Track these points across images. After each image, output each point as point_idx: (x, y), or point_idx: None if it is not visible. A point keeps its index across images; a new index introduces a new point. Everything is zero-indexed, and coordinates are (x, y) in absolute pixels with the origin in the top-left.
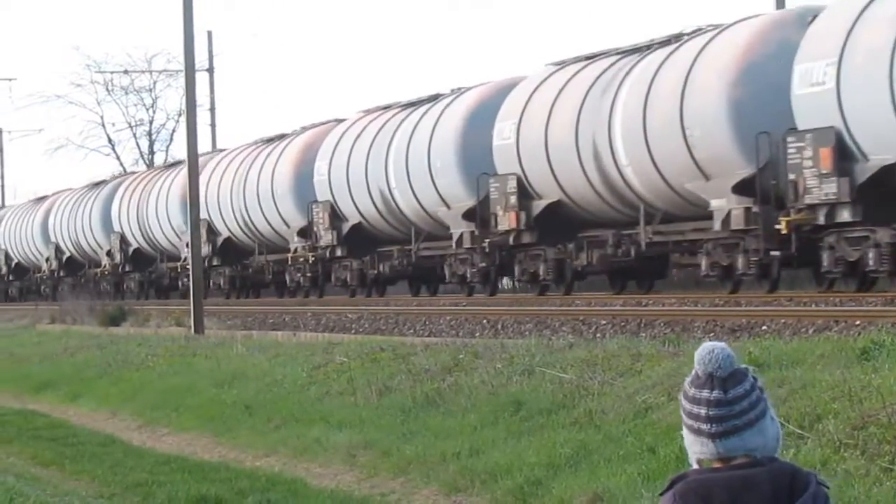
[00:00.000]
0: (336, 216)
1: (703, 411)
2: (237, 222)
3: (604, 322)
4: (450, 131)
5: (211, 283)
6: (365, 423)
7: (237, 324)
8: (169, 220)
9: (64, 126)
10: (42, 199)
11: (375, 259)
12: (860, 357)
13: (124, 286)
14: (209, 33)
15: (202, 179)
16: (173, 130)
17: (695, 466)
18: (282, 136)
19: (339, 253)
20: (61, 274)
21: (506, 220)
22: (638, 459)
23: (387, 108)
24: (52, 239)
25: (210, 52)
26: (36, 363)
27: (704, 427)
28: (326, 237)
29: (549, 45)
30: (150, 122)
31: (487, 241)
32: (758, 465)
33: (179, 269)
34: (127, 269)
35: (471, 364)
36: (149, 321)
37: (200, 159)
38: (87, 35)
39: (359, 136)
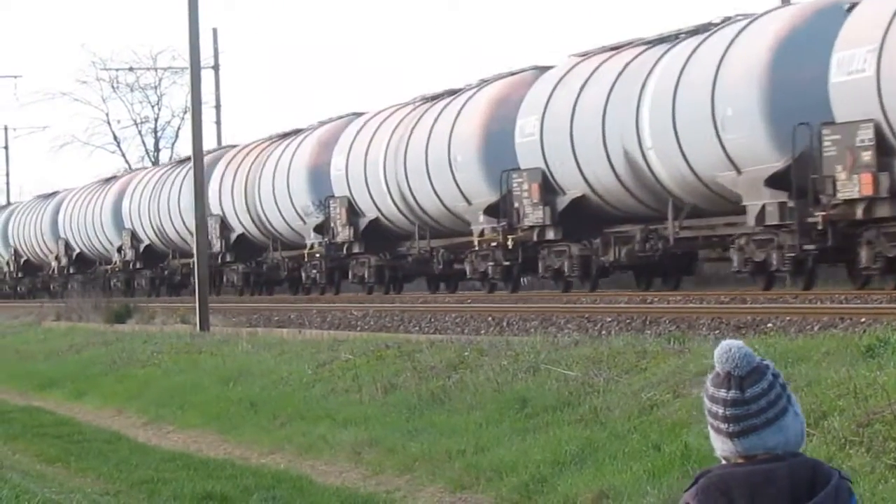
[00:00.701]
0: (548, 188)
1: (720, 411)
2: (391, 199)
3: (609, 319)
4: (747, 67)
5: (351, 275)
6: (370, 421)
7: (242, 321)
8: (291, 200)
9: (69, 123)
10: (111, 179)
11: (611, 241)
12: (865, 354)
13: (223, 279)
14: (214, 30)
15: (340, 148)
16: (178, 128)
17: (722, 462)
18: (452, 92)
19: (550, 235)
20: (138, 266)
21: (853, 187)
22: (643, 456)
23: (618, 48)
24: (127, 225)
25: (215, 49)
26: (41, 360)
27: (723, 426)
28: (533, 215)
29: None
30: (156, 120)
31: (820, 214)
32: (779, 459)
33: (306, 258)
34: (228, 258)
35: (476, 361)
36: (154, 318)
37: (337, 123)
38: (92, 32)
39: (585, 83)
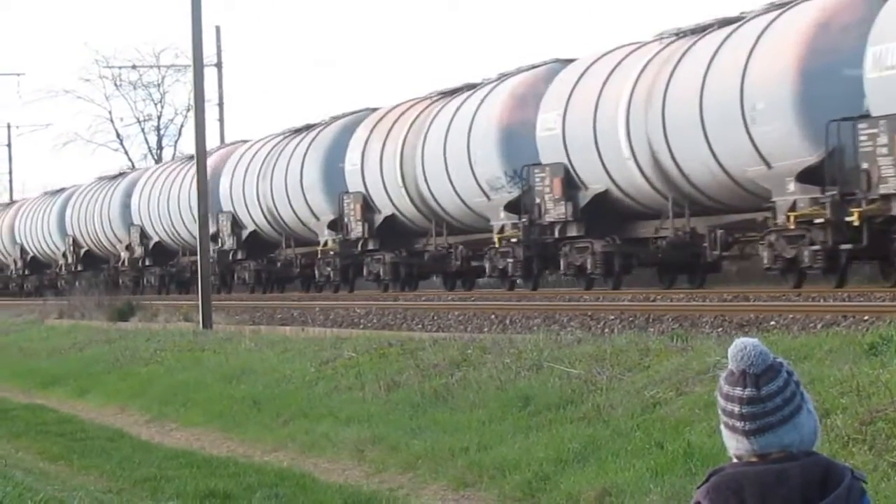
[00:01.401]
0: None
1: (736, 409)
2: (635, 163)
3: (612, 317)
4: None
5: (563, 265)
6: (373, 419)
7: (245, 319)
8: (472, 170)
9: (72, 121)
10: (192, 156)
11: None
12: (868, 352)
13: (364, 271)
14: (217, 28)
15: (550, 102)
16: (182, 125)
17: (734, 461)
18: (727, 22)
19: None
20: (239, 256)
21: None
22: (646, 454)
23: None
24: (226, 208)
25: (218, 46)
26: (44, 358)
27: (739, 425)
28: None
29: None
30: (159, 118)
31: None
32: (792, 459)
33: (496, 243)
34: (370, 247)
35: (479, 359)
36: (157, 316)
37: (536, 73)
38: (95, 30)
39: None
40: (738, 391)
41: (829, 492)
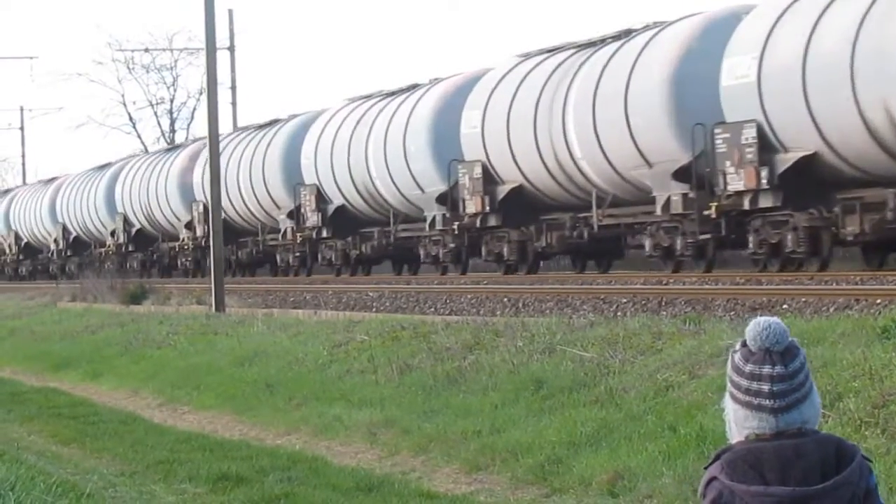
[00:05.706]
0: None
1: (766, 387)
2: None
3: (624, 300)
4: None
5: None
6: (386, 402)
7: (258, 302)
8: (629, 128)
9: (85, 104)
10: (273, 122)
11: None
12: (881, 335)
13: (483, 251)
14: (230, 11)
15: (742, 43)
16: (194, 109)
17: (737, 441)
18: None
19: None
20: (324, 235)
21: None
22: (658, 438)
23: None
24: (308, 181)
25: (231, 30)
26: (57, 341)
27: (767, 402)
28: None
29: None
30: (171, 101)
31: None
32: (804, 435)
33: (661, 211)
34: (491, 223)
35: (492, 342)
36: (170, 299)
37: (711, 16)
38: (108, 13)
39: None
40: (766, 369)
41: (843, 466)
